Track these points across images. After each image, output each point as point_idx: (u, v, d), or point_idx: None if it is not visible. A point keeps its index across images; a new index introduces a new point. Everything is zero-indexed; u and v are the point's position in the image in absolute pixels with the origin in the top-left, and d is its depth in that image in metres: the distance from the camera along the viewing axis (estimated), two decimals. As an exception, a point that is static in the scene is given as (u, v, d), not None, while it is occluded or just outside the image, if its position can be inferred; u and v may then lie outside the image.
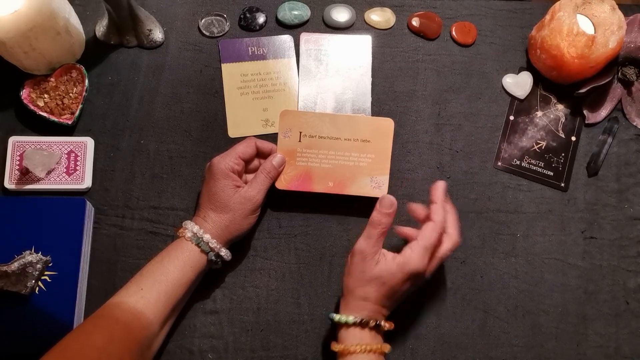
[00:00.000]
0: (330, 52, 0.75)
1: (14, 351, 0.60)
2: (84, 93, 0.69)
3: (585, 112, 0.73)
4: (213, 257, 0.61)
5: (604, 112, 0.73)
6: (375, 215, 0.59)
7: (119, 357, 0.52)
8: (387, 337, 0.65)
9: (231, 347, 0.64)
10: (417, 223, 0.62)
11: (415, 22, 0.76)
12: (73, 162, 0.68)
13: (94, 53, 0.74)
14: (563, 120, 0.74)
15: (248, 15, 0.76)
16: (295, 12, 0.76)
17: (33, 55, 0.66)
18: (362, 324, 0.57)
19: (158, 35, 0.74)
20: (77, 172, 0.68)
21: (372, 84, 0.74)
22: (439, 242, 0.59)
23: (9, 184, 0.67)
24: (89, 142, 0.69)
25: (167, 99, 0.73)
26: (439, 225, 0.58)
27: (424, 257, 0.57)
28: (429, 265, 0.58)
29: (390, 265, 0.57)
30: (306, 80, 0.74)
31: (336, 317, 0.58)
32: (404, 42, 0.76)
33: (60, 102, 0.69)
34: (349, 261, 0.59)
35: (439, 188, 0.61)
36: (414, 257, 0.57)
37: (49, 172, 0.68)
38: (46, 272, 0.62)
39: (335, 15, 0.76)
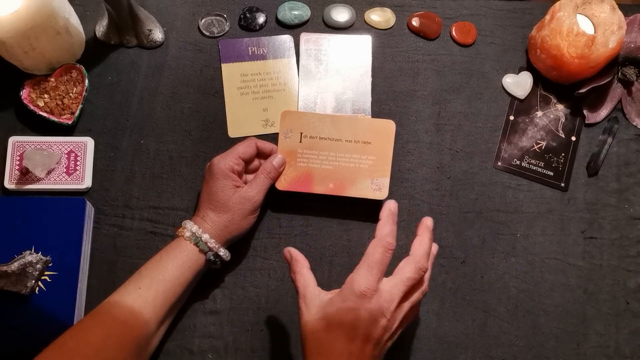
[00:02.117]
0: (330, 52, 0.75)
1: (14, 351, 0.60)
2: (84, 93, 0.69)
3: (585, 112, 0.73)
4: (212, 257, 0.61)
5: (604, 112, 0.73)
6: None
7: (115, 354, 0.52)
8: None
9: (231, 347, 0.64)
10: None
11: (415, 22, 0.76)
12: (73, 162, 0.68)
13: (94, 53, 0.74)
14: (563, 120, 0.74)
15: (248, 15, 0.76)
16: (295, 12, 0.76)
17: (33, 55, 0.66)
18: None
19: (158, 35, 0.74)
20: (77, 172, 0.68)
21: (372, 84, 0.74)
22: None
23: (9, 184, 0.67)
24: (89, 142, 0.69)
25: (167, 99, 0.73)
26: (379, 240, 0.52)
27: (367, 274, 0.50)
28: (389, 289, 0.51)
29: (332, 297, 0.51)
30: (306, 80, 0.74)
31: None
32: (404, 42, 0.76)
33: (60, 102, 0.69)
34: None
35: (386, 208, 0.55)
36: (355, 275, 0.51)
37: (49, 172, 0.68)
38: (46, 272, 0.62)
39: (335, 15, 0.76)
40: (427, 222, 0.56)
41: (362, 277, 0.50)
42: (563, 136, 0.73)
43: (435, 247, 0.59)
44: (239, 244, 0.65)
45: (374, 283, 0.50)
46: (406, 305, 0.52)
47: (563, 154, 0.72)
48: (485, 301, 0.67)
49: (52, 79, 0.70)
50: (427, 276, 0.55)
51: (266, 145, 0.66)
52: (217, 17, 0.76)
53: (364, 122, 0.67)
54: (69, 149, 0.69)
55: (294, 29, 0.76)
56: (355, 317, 0.49)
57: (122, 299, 0.56)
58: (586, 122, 0.73)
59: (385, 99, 0.74)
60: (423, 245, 0.54)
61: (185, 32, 0.75)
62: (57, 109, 0.69)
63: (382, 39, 0.76)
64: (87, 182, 0.68)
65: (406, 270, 0.52)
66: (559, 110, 0.74)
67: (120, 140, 0.71)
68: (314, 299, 0.52)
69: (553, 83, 0.74)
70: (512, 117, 0.74)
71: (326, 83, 0.74)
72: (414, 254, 0.53)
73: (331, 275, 0.67)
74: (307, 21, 0.76)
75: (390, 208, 0.54)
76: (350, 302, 0.50)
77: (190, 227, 0.61)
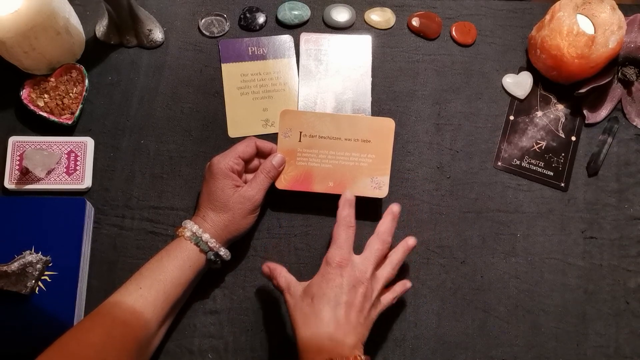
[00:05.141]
0: (330, 52, 0.75)
1: (13, 351, 0.60)
2: (84, 93, 0.69)
3: (585, 112, 0.73)
4: (212, 257, 0.61)
5: (604, 112, 0.73)
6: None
7: (116, 355, 0.52)
8: (388, 336, 0.65)
9: (231, 347, 0.64)
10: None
11: (415, 22, 0.76)
12: (73, 162, 0.68)
13: (94, 53, 0.74)
14: (563, 120, 0.74)
15: (248, 15, 0.76)
16: (295, 12, 0.76)
17: (33, 55, 0.66)
18: None
19: (158, 35, 0.74)
20: (77, 172, 0.68)
21: (372, 84, 0.74)
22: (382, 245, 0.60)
23: (9, 184, 0.67)
24: (89, 142, 0.69)
25: (167, 99, 0.73)
26: (341, 222, 0.60)
27: (338, 250, 0.58)
28: (362, 261, 0.58)
29: (312, 279, 0.58)
30: (306, 80, 0.74)
31: None
32: (404, 42, 0.76)
33: (60, 102, 0.69)
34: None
35: (343, 197, 0.62)
36: (328, 254, 0.58)
37: (49, 172, 0.68)
38: (46, 272, 0.62)
39: (335, 15, 0.76)
40: (393, 207, 0.63)
41: (334, 252, 0.58)
42: (563, 136, 0.73)
43: (413, 240, 0.63)
44: (239, 244, 0.65)
45: (347, 255, 0.58)
46: (380, 276, 0.59)
47: (563, 154, 0.72)
48: (485, 301, 0.67)
49: (52, 79, 0.70)
50: (396, 258, 0.61)
51: (266, 145, 0.66)
52: (217, 17, 0.76)
53: (363, 120, 0.67)
54: (69, 149, 0.69)
55: (294, 29, 0.76)
56: (336, 285, 0.56)
57: (122, 299, 0.56)
58: (586, 122, 0.73)
59: (385, 99, 0.74)
60: (385, 224, 0.61)
61: (185, 32, 0.75)
62: (57, 109, 0.69)
63: (382, 39, 0.76)
64: (87, 182, 0.68)
65: (373, 244, 0.60)
66: (559, 110, 0.74)
67: (120, 140, 0.71)
68: (297, 288, 0.58)
69: (553, 83, 0.74)
70: (512, 117, 0.74)
71: (326, 83, 0.74)
72: (377, 231, 0.61)
73: (331, 275, 0.67)
74: (307, 21, 0.76)
75: (347, 197, 0.62)
76: (329, 274, 0.56)
77: (190, 227, 0.61)
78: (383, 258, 0.61)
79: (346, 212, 0.61)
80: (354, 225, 0.60)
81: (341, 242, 0.58)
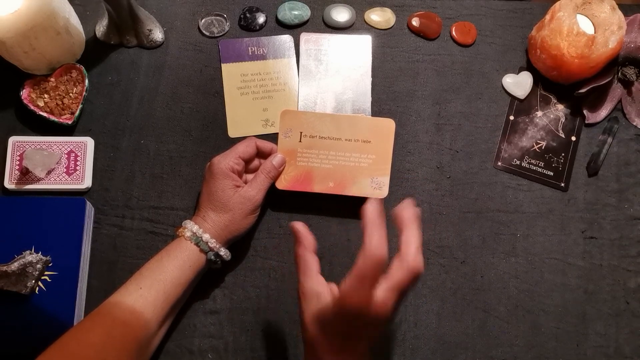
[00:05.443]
0: (330, 52, 0.75)
1: (13, 351, 0.60)
2: (84, 93, 0.69)
3: (585, 112, 0.73)
4: (212, 257, 0.61)
5: (604, 112, 0.73)
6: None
7: (116, 355, 0.52)
8: (388, 336, 0.65)
9: (231, 347, 0.64)
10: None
11: (415, 22, 0.76)
12: (73, 162, 0.68)
13: (94, 53, 0.74)
14: (563, 120, 0.74)
15: (248, 15, 0.76)
16: (295, 12, 0.76)
17: (33, 55, 0.66)
18: None
19: (158, 35, 0.74)
20: (77, 172, 0.68)
21: (372, 84, 0.74)
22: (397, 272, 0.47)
23: (9, 184, 0.67)
24: (89, 142, 0.69)
25: (167, 99, 0.73)
26: (369, 252, 0.45)
27: (359, 286, 0.45)
28: (383, 299, 0.46)
29: (328, 304, 0.50)
30: (306, 80, 0.74)
31: None
32: (404, 42, 0.76)
33: (60, 102, 0.69)
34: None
35: (368, 211, 0.47)
36: (348, 288, 0.46)
37: (49, 172, 0.68)
38: (46, 272, 0.62)
39: (335, 15, 0.76)
40: (411, 209, 0.48)
41: (354, 290, 0.46)
42: (563, 136, 0.73)
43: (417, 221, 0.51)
44: (239, 244, 0.65)
45: (367, 295, 0.46)
46: (400, 300, 0.48)
47: (563, 154, 0.72)
48: (485, 301, 0.67)
49: (52, 79, 0.70)
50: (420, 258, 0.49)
51: (266, 145, 0.66)
52: (217, 17, 0.76)
53: (363, 121, 0.67)
54: (69, 149, 0.69)
55: (294, 29, 0.76)
56: (350, 328, 0.48)
57: (123, 299, 0.56)
58: (586, 122, 0.73)
59: (385, 99, 0.74)
60: (413, 240, 0.47)
61: (185, 32, 0.75)
62: (57, 109, 0.69)
63: (382, 39, 0.76)
64: (87, 182, 0.68)
65: (398, 273, 0.46)
66: (559, 110, 0.74)
67: (120, 140, 0.71)
68: (312, 299, 0.51)
69: (553, 83, 0.74)
70: (512, 117, 0.74)
71: (326, 83, 0.74)
72: (405, 254, 0.47)
73: (331, 276, 0.67)
74: (307, 21, 0.76)
75: (371, 214, 0.47)
76: (344, 311, 0.47)
77: (190, 227, 0.61)
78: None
79: (376, 241, 0.45)
80: (385, 257, 0.45)
81: (363, 276, 0.45)
